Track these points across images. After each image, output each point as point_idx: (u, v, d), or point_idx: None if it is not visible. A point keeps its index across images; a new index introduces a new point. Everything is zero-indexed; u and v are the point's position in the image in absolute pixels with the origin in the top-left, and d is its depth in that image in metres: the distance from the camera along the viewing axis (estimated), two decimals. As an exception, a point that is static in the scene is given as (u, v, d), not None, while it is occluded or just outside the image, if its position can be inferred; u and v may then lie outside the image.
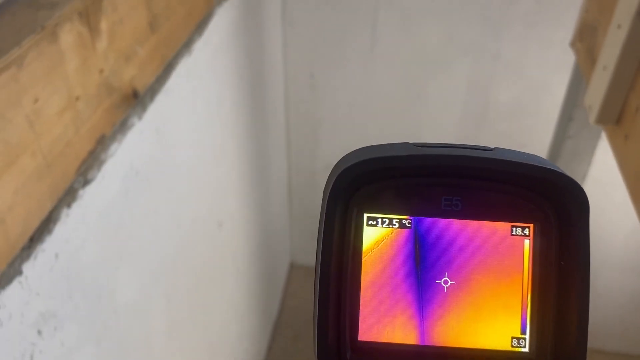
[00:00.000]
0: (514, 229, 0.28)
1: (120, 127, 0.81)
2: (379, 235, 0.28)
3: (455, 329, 0.28)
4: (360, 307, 0.28)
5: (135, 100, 0.84)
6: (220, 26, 1.18)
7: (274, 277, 2.06)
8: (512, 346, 0.28)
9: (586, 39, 0.94)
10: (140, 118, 0.86)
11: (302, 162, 2.03)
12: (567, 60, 1.29)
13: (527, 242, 0.28)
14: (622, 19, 0.71)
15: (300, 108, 1.92)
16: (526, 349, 0.28)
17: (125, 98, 0.80)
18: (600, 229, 1.83)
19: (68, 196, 0.70)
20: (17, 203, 0.60)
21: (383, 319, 0.28)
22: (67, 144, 0.68)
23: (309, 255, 2.25)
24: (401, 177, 0.28)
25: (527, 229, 0.28)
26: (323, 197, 0.27)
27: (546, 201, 0.27)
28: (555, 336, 0.27)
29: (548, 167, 0.26)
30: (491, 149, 0.27)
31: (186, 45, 1.02)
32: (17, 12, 0.64)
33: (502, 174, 0.27)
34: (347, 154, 0.28)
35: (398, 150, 0.27)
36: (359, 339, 0.28)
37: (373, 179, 0.28)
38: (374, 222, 0.28)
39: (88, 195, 0.74)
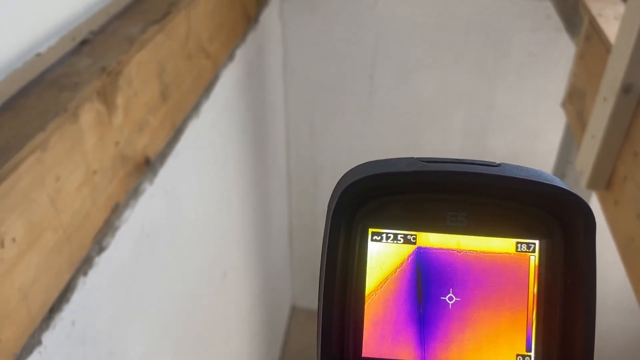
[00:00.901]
0: (519, 245, 0.27)
1: (133, 194, 0.85)
2: (383, 250, 0.28)
3: (460, 345, 0.28)
4: (364, 323, 0.28)
5: (147, 167, 0.88)
6: (226, 86, 1.23)
7: (276, 322, 2.07)
8: None
9: (576, 102, 0.99)
10: (151, 183, 0.90)
11: (303, 207, 2.07)
12: (559, 110, 1.34)
13: (532, 258, 0.27)
14: (607, 92, 0.76)
15: (301, 154, 1.97)
16: None
17: (138, 166, 0.84)
18: (598, 271, 1.85)
19: (85, 265, 0.73)
20: (39, 277, 0.63)
21: (387, 335, 0.28)
22: (85, 216, 0.71)
23: (310, 298, 2.27)
24: (406, 192, 0.27)
25: (532, 245, 0.27)
26: (327, 211, 0.27)
27: (552, 218, 0.27)
28: (560, 354, 0.27)
29: (555, 184, 0.26)
30: (497, 165, 0.26)
31: (194, 108, 1.07)
32: (41, 94, 0.69)
33: (508, 191, 0.27)
34: (351, 169, 0.27)
35: (403, 165, 0.27)
36: (363, 355, 0.28)
37: (378, 194, 0.27)
38: (379, 238, 0.28)
39: (103, 262, 0.77)
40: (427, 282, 0.28)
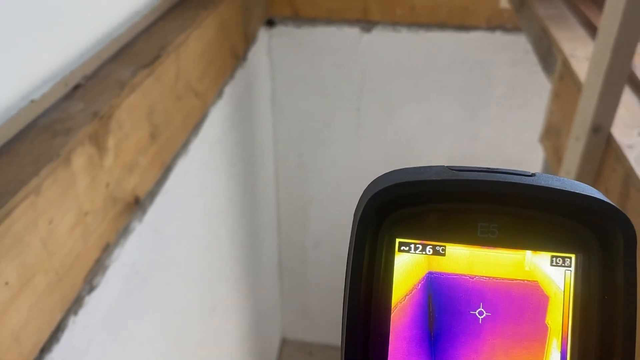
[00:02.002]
0: (554, 259, 0.26)
1: (123, 233, 0.87)
2: (410, 261, 0.27)
3: (487, 357, 0.26)
4: (390, 337, 0.26)
5: (137, 206, 0.90)
6: (215, 123, 1.26)
7: (266, 355, 2.07)
8: None
9: (552, 138, 1.03)
10: (140, 221, 0.92)
11: (293, 239, 2.09)
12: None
13: (568, 274, 0.26)
14: (578, 132, 0.80)
15: (290, 186, 1.99)
16: None
17: (127, 206, 0.86)
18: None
19: (75, 304, 0.75)
20: (30, 319, 0.64)
21: (413, 351, 0.26)
22: (76, 256, 0.73)
23: (300, 330, 2.27)
24: (435, 201, 0.26)
25: (568, 260, 0.26)
26: (353, 221, 0.26)
27: (590, 231, 0.26)
28: None
29: (593, 195, 0.25)
30: (531, 175, 0.25)
31: (184, 147, 1.09)
32: (35, 139, 0.71)
33: (542, 201, 0.25)
34: (378, 177, 0.27)
35: (432, 173, 0.26)
36: None
37: (406, 203, 0.26)
38: (406, 248, 0.26)
39: (93, 301, 0.78)
40: (455, 295, 0.26)
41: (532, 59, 1.65)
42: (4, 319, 0.60)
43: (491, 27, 1.66)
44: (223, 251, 1.45)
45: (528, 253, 0.26)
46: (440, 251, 0.26)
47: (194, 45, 1.08)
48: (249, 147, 1.63)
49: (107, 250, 0.81)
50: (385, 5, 1.66)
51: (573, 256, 0.26)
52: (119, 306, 0.87)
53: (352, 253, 0.26)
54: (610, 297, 0.25)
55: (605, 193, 0.76)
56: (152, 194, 0.96)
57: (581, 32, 1.08)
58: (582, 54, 0.99)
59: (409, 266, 0.27)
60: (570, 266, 0.26)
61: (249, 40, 1.50)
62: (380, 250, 0.26)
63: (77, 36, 0.85)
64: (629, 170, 0.70)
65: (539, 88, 1.68)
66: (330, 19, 1.71)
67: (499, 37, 1.67)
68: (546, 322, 0.26)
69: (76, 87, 0.83)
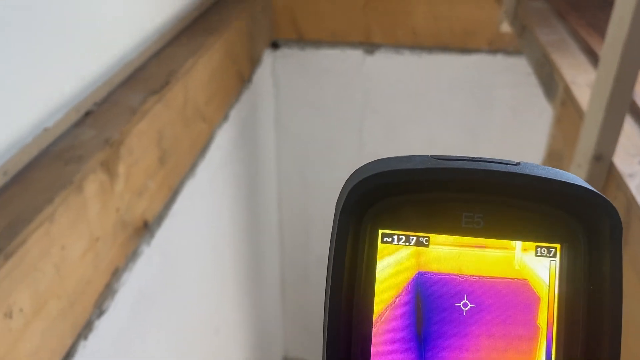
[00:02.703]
0: (539, 249, 0.26)
1: (132, 256, 0.88)
2: (394, 253, 0.26)
3: (475, 357, 0.26)
4: (373, 331, 0.26)
5: (145, 229, 0.91)
6: (221, 145, 1.28)
7: (268, 373, 2.07)
8: None
9: (554, 164, 1.04)
10: (148, 245, 0.93)
11: (295, 258, 2.09)
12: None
13: (553, 264, 0.26)
14: (581, 159, 0.81)
15: (293, 206, 2.00)
16: None
17: (137, 230, 0.88)
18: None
19: (86, 329, 0.76)
20: (43, 345, 0.65)
21: (397, 344, 0.26)
22: (87, 282, 0.74)
23: (302, 348, 2.27)
24: (419, 191, 0.26)
25: (553, 250, 0.26)
26: (335, 212, 0.26)
27: (575, 220, 0.25)
28: None
29: (578, 183, 0.24)
30: (516, 164, 0.25)
31: (191, 169, 1.11)
32: (48, 167, 0.73)
33: (528, 190, 0.25)
34: (361, 166, 0.26)
35: (416, 162, 0.25)
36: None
37: (389, 193, 0.25)
38: (390, 239, 0.26)
39: (102, 325, 0.79)
40: (439, 288, 0.26)
41: (533, 81, 1.67)
42: (18, 345, 0.61)
43: (493, 50, 1.69)
44: (226, 271, 1.46)
45: (517, 251, 0.26)
46: (424, 242, 0.26)
47: (202, 70, 1.10)
48: (253, 168, 1.64)
49: (116, 274, 0.82)
50: (388, 28, 1.68)
51: (558, 246, 0.26)
52: (127, 329, 0.88)
53: (334, 245, 0.25)
54: (596, 287, 0.25)
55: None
56: (160, 217, 0.97)
57: (582, 58, 1.10)
58: (583, 80, 1.00)
59: (393, 259, 0.26)
60: (555, 256, 0.26)
61: (254, 62, 1.52)
62: (362, 242, 0.26)
63: (89, 63, 0.87)
64: (631, 199, 0.71)
65: (540, 110, 1.70)
66: (334, 42, 1.73)
67: (500, 59, 1.70)
68: (537, 322, 0.26)
69: (87, 114, 0.85)
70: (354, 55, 1.75)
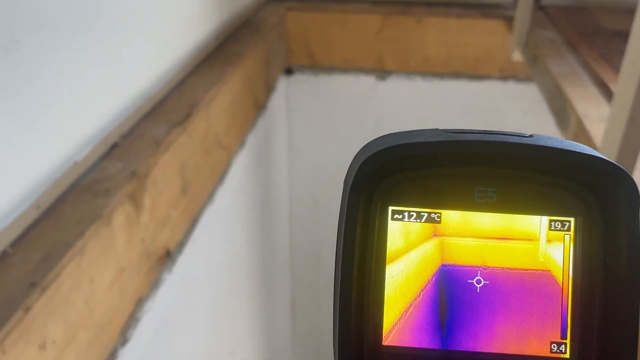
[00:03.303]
0: (553, 223, 0.25)
1: (154, 284, 0.90)
2: (405, 230, 0.25)
3: (489, 332, 0.25)
4: (385, 309, 0.25)
5: (168, 258, 0.93)
6: (238, 171, 1.31)
7: (278, 395, 2.07)
8: (552, 352, 0.25)
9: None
10: (170, 272, 0.95)
11: (306, 280, 2.11)
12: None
13: (567, 238, 0.25)
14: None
15: (305, 228, 2.02)
16: (567, 355, 0.25)
17: (159, 259, 0.90)
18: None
19: (110, 358, 0.77)
20: (72, 375, 0.67)
21: (409, 321, 0.25)
22: (114, 312, 0.76)
23: (311, 370, 2.27)
24: (430, 166, 0.25)
25: (567, 223, 0.25)
26: (344, 188, 0.25)
27: (590, 192, 0.25)
28: (600, 341, 0.25)
29: (593, 154, 0.24)
30: (529, 136, 0.24)
31: (210, 196, 1.13)
32: (78, 200, 0.75)
33: (541, 162, 0.24)
34: (370, 141, 0.25)
35: (427, 136, 0.24)
36: (383, 343, 0.25)
37: (399, 168, 0.25)
38: (400, 217, 0.25)
39: (126, 354, 0.81)
40: (452, 264, 0.26)
41: (544, 108, 1.69)
42: (50, 377, 0.63)
43: (504, 77, 1.71)
44: (241, 293, 1.48)
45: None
46: (436, 218, 0.25)
47: (222, 100, 1.13)
48: (266, 191, 1.67)
49: (139, 303, 0.85)
50: (400, 56, 1.71)
51: (572, 219, 0.25)
52: (149, 356, 0.89)
53: (344, 223, 0.25)
54: (612, 261, 0.24)
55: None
56: (181, 245, 1.00)
57: (594, 91, 1.13)
58: (595, 114, 1.02)
59: (404, 235, 0.25)
60: (569, 230, 0.25)
61: (269, 89, 1.55)
62: (373, 219, 0.25)
63: (116, 97, 0.90)
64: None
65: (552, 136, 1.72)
66: (347, 68, 1.76)
67: (511, 86, 1.72)
68: (553, 299, 0.25)
69: (114, 146, 0.87)
70: (367, 81, 1.78)
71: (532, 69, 1.44)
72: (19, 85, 0.67)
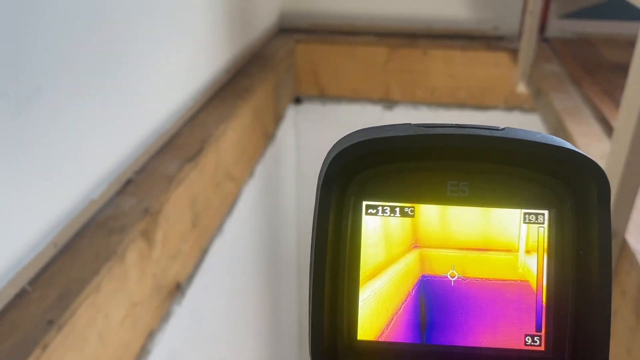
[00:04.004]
0: (526, 216, 0.25)
1: (165, 317, 0.92)
2: (379, 225, 0.25)
3: (464, 326, 0.25)
4: (360, 303, 0.26)
5: (178, 291, 0.96)
6: (247, 201, 1.33)
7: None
8: (526, 344, 0.25)
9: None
10: (180, 304, 0.97)
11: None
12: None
13: (541, 230, 0.25)
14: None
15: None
16: (541, 347, 0.25)
17: (170, 292, 0.92)
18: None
19: (122, 391, 0.80)
20: (86, 409, 0.69)
21: (385, 316, 0.26)
22: (126, 346, 0.78)
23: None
24: (402, 160, 0.25)
25: (541, 216, 0.25)
26: (317, 185, 0.25)
27: (563, 185, 0.25)
28: (573, 333, 0.25)
29: (564, 146, 0.24)
30: (501, 129, 0.24)
31: (219, 228, 1.16)
32: (92, 237, 0.78)
33: (513, 155, 0.24)
34: (343, 137, 0.25)
35: (398, 130, 0.24)
36: (358, 337, 0.26)
37: (371, 162, 0.25)
38: (374, 211, 0.25)
39: (136, 386, 0.83)
40: (426, 258, 0.26)
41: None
42: (65, 412, 0.65)
43: (509, 108, 1.74)
44: (248, 322, 1.49)
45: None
46: (410, 212, 0.25)
47: (232, 134, 1.16)
48: (274, 219, 1.69)
49: (150, 335, 0.87)
50: (406, 86, 1.75)
51: (546, 212, 0.25)
52: (158, 388, 0.91)
53: (316, 219, 0.25)
54: (584, 252, 0.25)
55: (622, 294, 0.80)
56: (191, 277, 1.02)
57: (596, 127, 1.15)
58: (596, 150, 1.05)
59: (378, 229, 0.26)
60: (543, 223, 0.25)
61: (278, 118, 1.59)
62: (346, 215, 0.25)
63: (130, 135, 0.93)
64: (644, 276, 0.75)
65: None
66: (354, 98, 1.80)
67: (516, 116, 1.75)
68: (529, 289, 0.26)
69: (128, 182, 0.90)
70: (373, 110, 1.81)
71: (537, 101, 1.46)
72: (40, 130, 0.70)
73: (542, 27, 1.69)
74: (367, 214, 0.25)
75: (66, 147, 0.76)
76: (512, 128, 0.24)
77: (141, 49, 0.94)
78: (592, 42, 1.67)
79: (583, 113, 1.22)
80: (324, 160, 0.25)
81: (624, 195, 0.81)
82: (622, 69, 1.44)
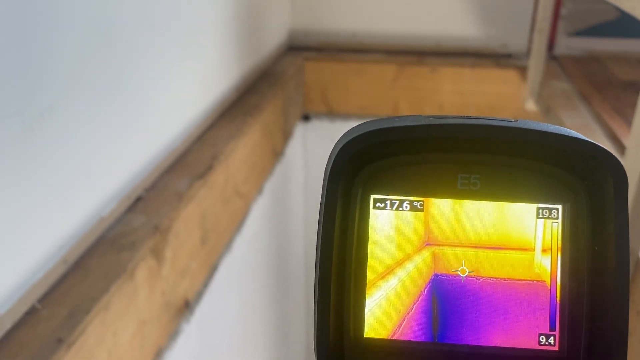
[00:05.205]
0: (540, 210, 0.24)
1: (173, 335, 0.92)
2: (387, 219, 0.24)
3: (475, 324, 0.24)
4: (367, 300, 0.25)
5: (186, 308, 0.95)
6: (255, 218, 1.33)
7: None
8: (540, 344, 0.24)
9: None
10: (188, 322, 0.97)
11: (321, 323, 2.10)
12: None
13: (555, 226, 0.24)
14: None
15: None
16: (555, 347, 0.24)
17: (178, 310, 0.92)
18: None
19: (130, 410, 0.79)
20: None
21: (393, 313, 0.25)
22: (134, 365, 0.78)
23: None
24: (412, 152, 0.24)
25: (555, 211, 0.24)
26: (324, 176, 0.24)
27: (578, 178, 0.24)
28: (589, 332, 0.24)
29: (579, 137, 0.23)
30: (514, 121, 0.23)
31: (227, 245, 1.15)
32: (102, 254, 0.78)
33: (526, 147, 0.23)
34: (351, 128, 0.25)
35: (409, 121, 0.23)
36: (365, 335, 0.25)
37: (380, 154, 0.24)
38: (382, 205, 0.25)
39: (144, 405, 0.82)
40: (436, 254, 0.25)
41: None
42: None
43: (517, 125, 1.73)
44: (256, 338, 1.48)
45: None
46: (419, 207, 0.25)
47: (241, 151, 1.16)
48: (283, 236, 1.69)
49: (158, 354, 0.86)
50: (415, 103, 1.75)
51: (560, 207, 0.24)
52: (166, 407, 0.91)
53: (323, 212, 0.24)
54: (600, 248, 0.24)
55: (637, 315, 0.79)
56: (200, 294, 1.02)
57: (607, 145, 1.14)
58: (608, 169, 1.04)
59: (386, 224, 0.25)
60: (557, 218, 0.24)
61: (287, 136, 1.59)
62: (353, 208, 0.24)
63: (142, 152, 0.93)
64: (659, 296, 0.74)
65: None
66: (363, 115, 1.80)
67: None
68: (543, 286, 0.25)
69: (138, 200, 0.91)
70: (382, 127, 1.81)
71: (546, 119, 1.46)
72: (52, 147, 0.70)
73: (551, 45, 1.70)
74: (375, 207, 0.25)
75: (77, 164, 0.76)
76: (524, 120, 0.24)
77: (152, 67, 0.95)
78: (601, 59, 1.67)
79: (594, 131, 1.21)
80: (332, 151, 0.24)
81: (637, 215, 0.81)
82: (632, 87, 1.44)
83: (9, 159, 0.63)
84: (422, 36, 1.79)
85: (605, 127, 1.21)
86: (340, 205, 0.24)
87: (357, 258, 0.25)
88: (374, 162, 0.24)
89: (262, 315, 1.52)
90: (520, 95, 1.67)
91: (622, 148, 1.12)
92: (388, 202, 0.25)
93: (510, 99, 1.70)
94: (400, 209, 0.25)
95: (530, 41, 1.71)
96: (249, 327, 1.40)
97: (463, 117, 0.24)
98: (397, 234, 0.25)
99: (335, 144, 0.24)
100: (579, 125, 1.23)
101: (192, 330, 0.99)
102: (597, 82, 1.49)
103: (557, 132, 0.23)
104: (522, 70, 1.65)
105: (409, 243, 0.25)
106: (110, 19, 0.81)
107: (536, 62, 1.54)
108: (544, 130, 0.23)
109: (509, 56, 1.76)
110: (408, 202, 0.25)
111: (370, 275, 0.25)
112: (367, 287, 0.25)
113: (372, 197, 0.25)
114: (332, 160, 0.24)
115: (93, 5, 0.76)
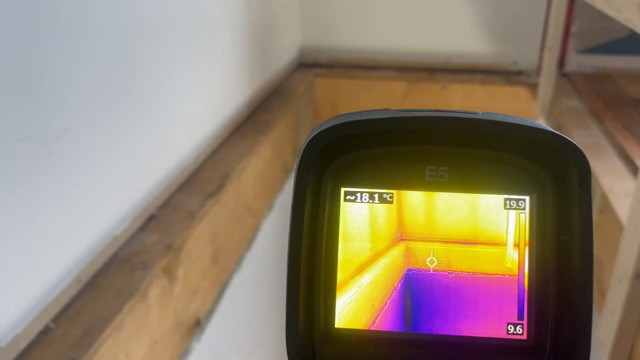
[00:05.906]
0: (507, 201, 0.25)
1: (184, 354, 0.92)
2: (357, 211, 0.25)
3: (445, 315, 0.25)
4: (337, 291, 0.25)
5: (197, 327, 0.95)
6: (266, 235, 1.33)
7: None
8: (508, 333, 0.25)
9: (595, 270, 1.06)
10: (199, 340, 0.97)
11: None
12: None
13: (523, 216, 0.25)
14: (621, 275, 0.83)
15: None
16: (523, 336, 0.25)
17: (189, 329, 0.92)
18: None
19: None
20: None
21: (364, 303, 0.25)
22: (145, 384, 0.78)
23: None
24: (380, 145, 0.25)
25: (522, 202, 0.25)
26: (294, 169, 0.24)
27: (543, 169, 0.24)
28: (555, 321, 0.24)
29: (544, 128, 0.23)
30: (481, 113, 0.24)
31: (238, 263, 1.16)
32: (116, 273, 0.78)
33: (493, 139, 0.24)
34: (321, 122, 0.25)
35: (377, 114, 0.24)
36: (336, 325, 0.25)
37: (349, 147, 0.24)
38: (352, 197, 0.25)
39: None
40: (406, 245, 0.25)
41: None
42: None
43: (528, 142, 1.73)
44: (266, 357, 1.48)
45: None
46: (388, 199, 0.25)
47: (252, 169, 1.17)
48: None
49: (170, 373, 0.86)
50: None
51: (527, 197, 0.25)
52: None
53: (293, 205, 0.24)
54: (566, 237, 0.24)
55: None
56: (210, 312, 1.02)
57: (619, 164, 1.14)
58: (620, 189, 1.04)
59: (357, 216, 0.25)
60: (524, 209, 0.25)
61: (297, 151, 1.60)
62: (324, 201, 0.25)
63: (155, 170, 0.94)
64: (673, 321, 0.73)
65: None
66: (373, 131, 1.80)
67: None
68: (510, 276, 0.25)
69: (151, 218, 0.91)
70: (392, 143, 1.82)
71: (556, 136, 1.45)
72: (67, 168, 0.71)
73: (561, 62, 1.70)
74: (345, 200, 0.25)
75: (91, 184, 0.77)
76: (491, 113, 0.24)
77: (164, 87, 0.96)
78: (612, 77, 1.67)
79: (605, 150, 1.21)
80: (301, 146, 0.24)
81: (650, 236, 0.80)
82: (643, 105, 1.44)
83: (28, 179, 0.64)
84: (433, 53, 1.79)
85: (617, 146, 1.21)
86: (310, 198, 0.24)
87: (327, 251, 0.25)
88: (344, 155, 0.25)
89: (272, 332, 1.52)
90: (531, 113, 1.67)
91: (633, 168, 1.11)
92: (358, 194, 0.25)
93: (521, 116, 1.70)
94: (371, 201, 0.25)
95: (540, 58, 1.71)
96: (258, 342, 1.40)
97: (431, 110, 0.24)
98: (369, 227, 0.25)
99: (306, 138, 0.25)
100: (589, 143, 1.23)
101: (202, 348, 0.99)
102: (608, 99, 1.49)
103: (522, 123, 0.23)
104: (533, 87, 1.65)
105: (381, 237, 0.25)
106: (124, 41, 0.82)
107: (547, 79, 1.54)
108: (509, 122, 0.23)
109: (519, 73, 1.76)
110: (378, 194, 0.25)
111: (342, 269, 0.25)
112: (338, 281, 0.25)
113: (343, 189, 0.25)
114: (302, 152, 0.24)
115: (109, 29, 0.78)
